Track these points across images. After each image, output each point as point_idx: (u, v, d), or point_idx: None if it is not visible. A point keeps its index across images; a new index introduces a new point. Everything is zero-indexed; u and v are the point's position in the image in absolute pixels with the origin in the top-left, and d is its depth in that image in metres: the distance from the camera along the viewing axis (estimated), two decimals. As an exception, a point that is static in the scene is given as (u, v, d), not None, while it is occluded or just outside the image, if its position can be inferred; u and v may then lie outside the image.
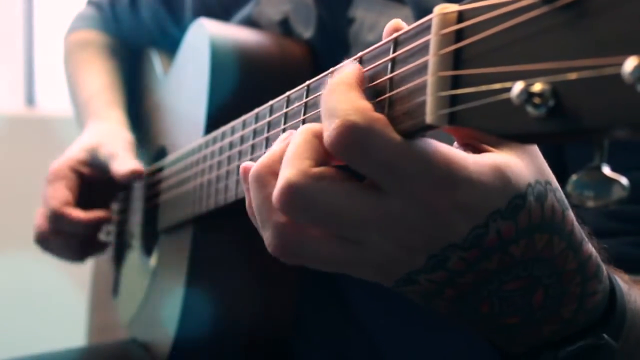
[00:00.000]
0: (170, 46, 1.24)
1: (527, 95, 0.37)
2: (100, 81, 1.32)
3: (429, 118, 0.44)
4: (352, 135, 0.45)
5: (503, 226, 0.47)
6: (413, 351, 0.93)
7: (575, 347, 0.52)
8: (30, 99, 2.62)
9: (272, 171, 0.50)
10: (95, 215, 1.13)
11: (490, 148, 0.48)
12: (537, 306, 0.51)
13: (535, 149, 0.49)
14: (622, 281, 0.57)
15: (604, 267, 0.53)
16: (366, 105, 0.47)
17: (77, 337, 1.53)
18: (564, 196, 0.50)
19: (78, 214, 1.11)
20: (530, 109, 0.37)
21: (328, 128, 0.46)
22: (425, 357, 0.92)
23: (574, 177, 0.39)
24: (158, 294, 1.08)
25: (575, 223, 0.50)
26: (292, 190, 0.47)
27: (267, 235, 0.51)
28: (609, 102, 0.34)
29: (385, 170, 0.46)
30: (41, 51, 2.61)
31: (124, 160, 1.09)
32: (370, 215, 0.47)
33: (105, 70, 1.34)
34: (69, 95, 1.40)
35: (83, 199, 1.14)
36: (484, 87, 0.40)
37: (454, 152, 0.46)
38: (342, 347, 1.01)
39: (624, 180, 0.38)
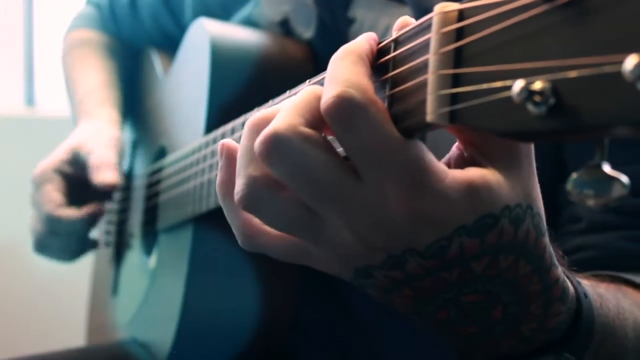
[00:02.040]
0: (169, 46, 1.24)
1: (528, 93, 0.37)
2: (95, 79, 1.32)
3: (429, 117, 0.44)
4: (345, 108, 0.45)
5: (467, 242, 0.46)
6: (413, 351, 0.93)
7: None
8: (30, 99, 2.62)
9: (266, 124, 0.49)
10: (88, 210, 1.14)
11: (483, 162, 0.48)
12: (495, 321, 0.50)
13: (530, 170, 0.49)
14: (595, 294, 0.56)
15: (571, 288, 0.53)
16: (368, 84, 0.46)
17: (77, 337, 1.53)
18: (543, 221, 0.49)
19: (71, 213, 1.12)
20: (530, 107, 0.37)
21: (327, 93, 0.46)
22: (425, 357, 0.92)
23: (574, 175, 0.39)
24: (158, 294, 1.08)
25: (548, 248, 0.50)
26: (275, 139, 0.46)
27: (238, 183, 0.51)
28: (610, 100, 0.34)
29: (365, 155, 0.46)
30: (41, 51, 2.61)
31: (99, 159, 1.10)
32: (338, 193, 0.47)
33: (101, 68, 1.34)
34: (66, 94, 1.40)
35: (75, 196, 1.15)
36: (484, 86, 0.40)
37: (435, 162, 0.46)
38: (342, 347, 1.01)
39: (624, 179, 0.38)
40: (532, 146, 0.49)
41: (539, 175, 0.49)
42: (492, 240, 0.47)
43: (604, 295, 0.58)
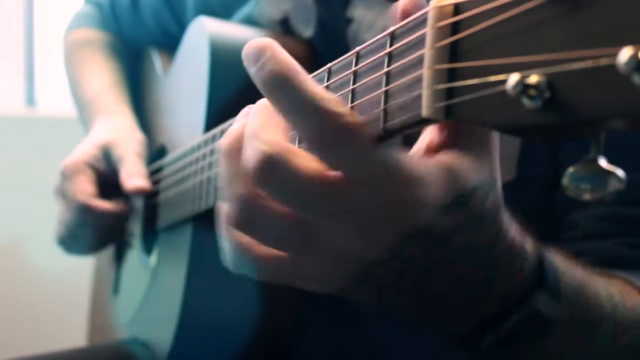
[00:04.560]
0: (171, 45, 1.24)
1: (523, 87, 0.37)
2: (105, 79, 1.32)
3: (425, 111, 0.44)
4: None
5: (447, 220, 0.49)
6: (413, 352, 0.93)
7: (512, 322, 0.54)
8: (30, 99, 2.62)
9: (239, 145, 0.51)
10: (121, 206, 1.14)
11: (455, 149, 0.49)
12: (477, 284, 0.53)
13: (495, 156, 0.51)
14: (560, 261, 0.58)
15: (530, 248, 0.55)
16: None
17: (77, 337, 1.54)
18: (501, 195, 0.52)
19: (106, 205, 1.13)
20: (525, 101, 0.37)
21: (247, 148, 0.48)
22: (425, 357, 0.92)
23: (570, 169, 0.39)
24: (158, 293, 1.08)
25: (505, 215, 0.53)
26: (269, 162, 0.47)
27: (228, 207, 0.51)
28: (605, 93, 0.34)
29: (347, 162, 0.46)
30: (41, 51, 2.61)
31: (132, 167, 1.11)
32: (332, 198, 0.47)
33: (108, 68, 1.35)
34: (71, 94, 1.40)
35: (103, 192, 1.15)
36: (479, 80, 0.40)
37: (407, 156, 0.48)
38: (342, 346, 1.01)
39: (620, 172, 0.38)
40: (498, 135, 0.51)
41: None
42: (465, 215, 0.49)
43: (575, 269, 0.60)
